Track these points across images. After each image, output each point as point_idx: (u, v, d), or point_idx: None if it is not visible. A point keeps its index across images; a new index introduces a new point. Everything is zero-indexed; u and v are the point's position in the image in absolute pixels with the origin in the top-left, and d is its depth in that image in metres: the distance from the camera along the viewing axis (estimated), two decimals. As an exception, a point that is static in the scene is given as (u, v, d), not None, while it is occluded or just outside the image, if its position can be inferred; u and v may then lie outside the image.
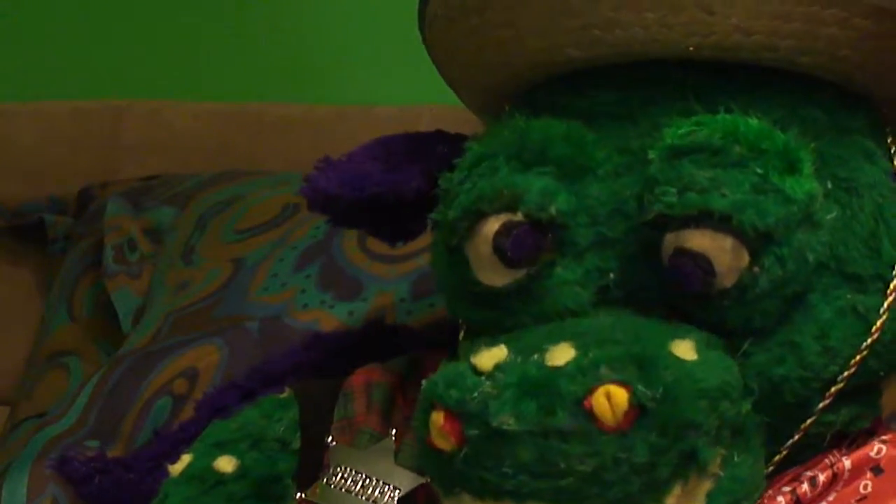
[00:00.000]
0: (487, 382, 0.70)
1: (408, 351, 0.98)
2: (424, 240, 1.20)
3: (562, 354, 0.70)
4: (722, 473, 0.72)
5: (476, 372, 0.71)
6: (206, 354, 1.19)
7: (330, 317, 1.19)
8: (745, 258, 0.74)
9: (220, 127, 1.62)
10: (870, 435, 0.81)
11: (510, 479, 0.69)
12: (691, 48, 0.77)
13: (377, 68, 1.63)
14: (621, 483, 0.68)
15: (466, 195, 0.79)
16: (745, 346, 0.75)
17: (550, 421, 0.68)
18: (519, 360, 0.71)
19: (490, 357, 0.71)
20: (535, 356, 0.70)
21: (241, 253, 1.30)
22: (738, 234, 0.73)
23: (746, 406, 0.73)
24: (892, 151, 0.83)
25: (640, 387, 0.68)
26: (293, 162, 1.52)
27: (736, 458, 0.73)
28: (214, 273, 1.29)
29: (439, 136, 0.91)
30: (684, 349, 0.71)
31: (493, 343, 0.73)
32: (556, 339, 0.71)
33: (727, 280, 0.74)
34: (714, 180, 0.73)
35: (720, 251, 0.73)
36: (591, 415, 0.68)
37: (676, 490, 0.70)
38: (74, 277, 1.46)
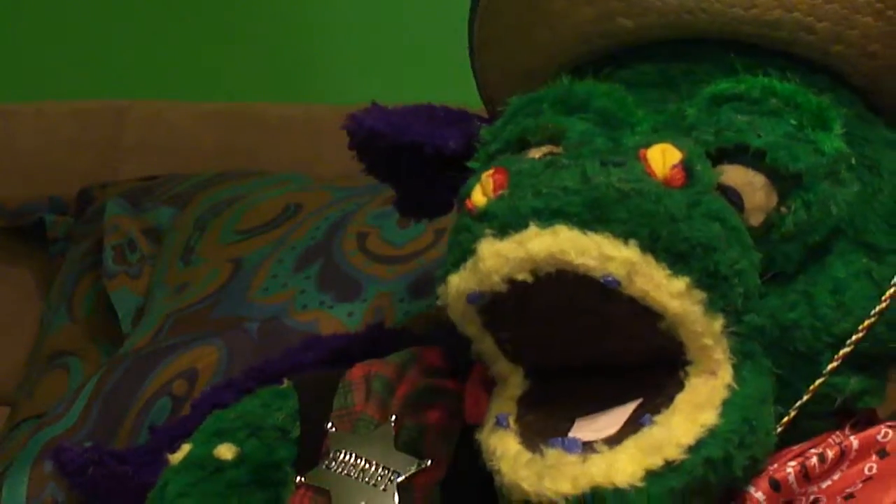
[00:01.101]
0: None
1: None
2: (424, 241, 1.21)
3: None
4: (737, 387, 0.73)
5: None
6: (206, 355, 1.19)
7: (329, 317, 1.19)
8: (774, 198, 0.76)
9: (220, 127, 1.62)
10: (868, 423, 0.81)
11: (541, 198, 0.70)
12: (735, 21, 0.80)
13: (377, 68, 1.64)
14: (650, 219, 0.69)
15: (510, 131, 0.81)
16: (762, 287, 0.76)
17: (602, 155, 0.71)
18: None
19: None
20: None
21: (240, 253, 1.30)
22: (771, 172, 0.75)
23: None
24: None
25: (695, 157, 0.72)
26: (293, 162, 1.52)
27: (746, 375, 0.74)
28: (214, 274, 1.29)
29: (476, 115, 0.93)
30: None
31: None
32: None
33: (755, 218, 0.75)
34: (750, 123, 0.76)
35: (752, 187, 0.75)
36: (644, 159, 0.71)
37: (684, 280, 0.70)
38: (74, 277, 1.46)
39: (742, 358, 0.74)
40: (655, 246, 0.69)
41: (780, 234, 0.76)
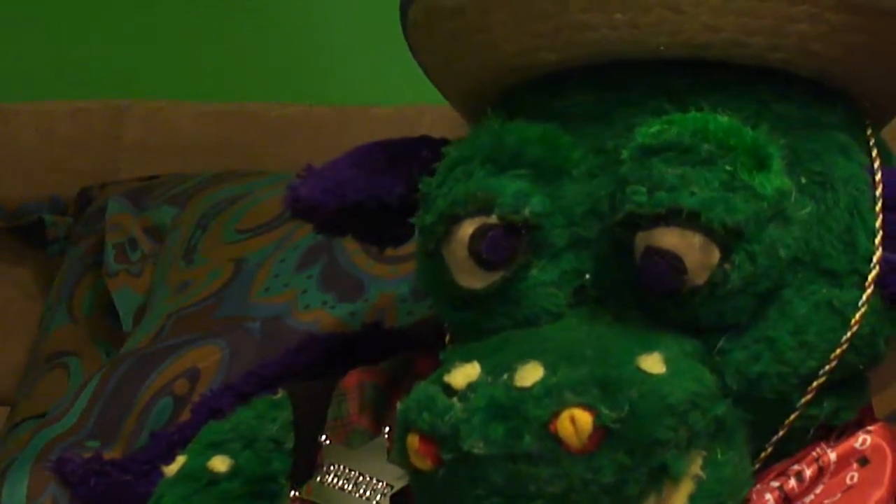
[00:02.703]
0: (459, 405, 0.71)
1: (401, 353, 0.99)
2: (426, 241, 1.21)
3: (530, 374, 0.71)
4: (704, 475, 0.72)
5: (448, 392, 0.72)
6: (208, 355, 1.19)
7: (331, 317, 1.19)
8: (716, 255, 0.74)
9: (220, 127, 1.61)
10: (858, 426, 0.81)
11: (484, 500, 0.70)
12: (662, 48, 0.78)
13: (377, 68, 1.63)
14: (591, 503, 0.69)
15: (442, 199, 0.80)
16: (721, 343, 0.76)
17: (518, 445, 0.69)
18: (489, 379, 0.71)
19: (463, 376, 0.72)
20: (505, 376, 0.71)
21: (242, 253, 1.30)
22: (708, 231, 0.73)
23: (722, 409, 0.74)
24: (871, 144, 0.84)
25: (603, 409, 0.68)
26: (293, 162, 1.50)
27: (720, 457, 0.73)
28: (216, 273, 1.29)
29: (423, 141, 0.92)
30: (652, 363, 0.72)
31: (467, 359, 0.73)
32: (526, 357, 0.72)
33: (698, 278, 0.74)
34: (683, 178, 0.74)
35: (690, 249, 0.74)
36: (557, 438, 0.69)
37: (650, 502, 0.70)
38: (74, 277, 1.46)
39: (712, 440, 0.73)
40: None
41: (726, 290, 0.75)
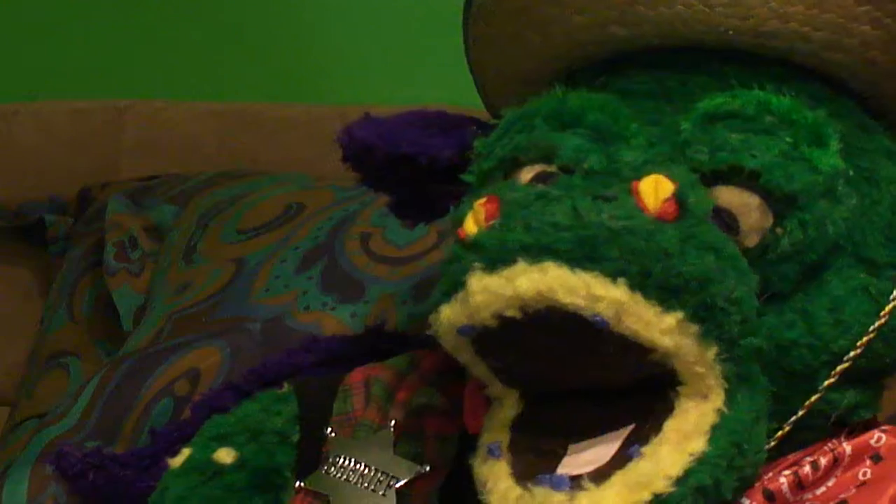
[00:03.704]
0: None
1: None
2: (427, 242, 1.21)
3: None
4: (727, 411, 0.73)
5: None
6: (208, 356, 1.19)
7: (332, 319, 1.19)
8: (770, 219, 0.76)
9: (220, 127, 1.62)
10: (867, 428, 0.81)
11: (531, 232, 0.69)
12: (730, 31, 0.79)
13: (377, 68, 1.64)
14: (640, 256, 0.69)
15: (503, 148, 0.81)
16: (760, 306, 0.76)
17: (596, 188, 0.71)
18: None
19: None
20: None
21: (242, 253, 1.30)
22: (765, 193, 0.75)
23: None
24: None
25: (687, 187, 0.71)
26: (293, 162, 1.52)
27: (739, 398, 0.74)
28: (216, 274, 1.29)
29: (473, 118, 0.92)
30: None
31: None
32: None
33: (750, 239, 0.76)
34: (745, 142, 0.76)
35: (747, 209, 0.75)
36: (636, 194, 0.71)
37: (676, 315, 0.70)
38: (74, 277, 1.46)
39: (737, 381, 0.74)
40: (646, 283, 0.69)
41: (776, 254, 0.76)
